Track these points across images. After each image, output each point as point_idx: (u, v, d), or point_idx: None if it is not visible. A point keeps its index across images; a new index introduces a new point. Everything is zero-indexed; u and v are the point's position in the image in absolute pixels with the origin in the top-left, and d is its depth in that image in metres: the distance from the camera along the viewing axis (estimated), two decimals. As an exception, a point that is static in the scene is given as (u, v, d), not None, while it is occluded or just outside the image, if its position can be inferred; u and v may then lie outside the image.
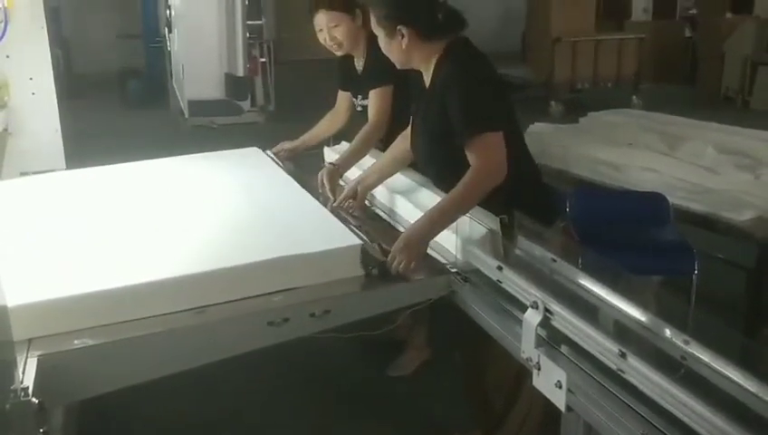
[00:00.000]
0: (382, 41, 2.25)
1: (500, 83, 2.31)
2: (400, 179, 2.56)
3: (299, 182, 2.64)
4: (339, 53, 2.97)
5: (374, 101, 2.84)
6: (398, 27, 2.17)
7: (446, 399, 2.95)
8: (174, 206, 2.45)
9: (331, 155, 3.09)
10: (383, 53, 2.31)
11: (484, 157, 2.08)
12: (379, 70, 2.73)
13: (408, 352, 3.25)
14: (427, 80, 2.30)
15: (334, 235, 2.09)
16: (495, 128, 2.10)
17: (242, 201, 2.48)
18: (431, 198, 2.29)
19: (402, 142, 2.52)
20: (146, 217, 2.32)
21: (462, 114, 2.12)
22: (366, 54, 2.90)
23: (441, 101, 2.18)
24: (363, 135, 2.82)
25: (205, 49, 7.95)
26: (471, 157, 2.10)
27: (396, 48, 2.22)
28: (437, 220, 2.08)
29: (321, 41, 2.90)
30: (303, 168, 2.98)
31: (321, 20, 2.83)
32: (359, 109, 3.08)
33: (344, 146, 3.02)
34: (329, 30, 2.84)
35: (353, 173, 2.73)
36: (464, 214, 2.08)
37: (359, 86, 3.02)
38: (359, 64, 2.99)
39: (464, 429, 2.69)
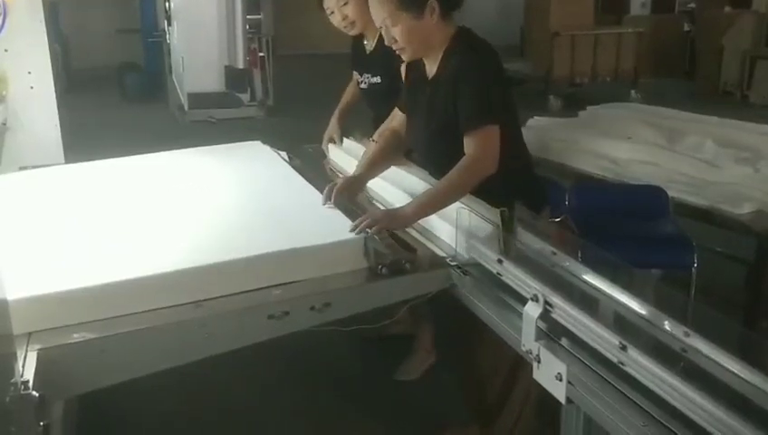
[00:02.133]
0: (407, 27, 2.17)
1: (505, 75, 2.33)
2: (400, 174, 2.55)
3: (302, 175, 2.63)
4: (353, 33, 2.98)
5: None
6: (430, 0, 2.14)
7: (444, 393, 2.95)
8: (174, 199, 2.44)
9: (334, 150, 3.10)
10: None
11: (483, 147, 2.12)
12: None
13: (416, 355, 3.23)
14: (431, 69, 2.30)
15: (337, 228, 2.08)
16: (497, 121, 2.14)
17: (243, 194, 2.48)
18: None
19: (391, 135, 2.52)
20: (145, 210, 2.32)
21: (471, 104, 2.14)
22: (378, 34, 2.86)
23: (450, 91, 2.18)
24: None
25: (204, 41, 7.94)
26: (469, 145, 2.13)
27: (426, 27, 2.17)
28: (427, 204, 2.13)
29: (336, 24, 2.91)
30: (305, 161, 2.97)
31: (331, 0, 2.83)
32: (362, 86, 3.10)
33: (348, 143, 3.04)
34: (339, 9, 2.83)
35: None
36: (453, 202, 2.10)
37: (366, 64, 3.03)
38: (369, 44, 3.01)
39: (462, 422, 2.69)
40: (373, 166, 2.48)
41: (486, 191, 2.11)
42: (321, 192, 2.40)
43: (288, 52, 10.98)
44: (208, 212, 2.30)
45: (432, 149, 2.37)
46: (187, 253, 1.92)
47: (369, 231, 2.00)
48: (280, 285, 1.87)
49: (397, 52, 2.28)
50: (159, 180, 2.67)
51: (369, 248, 1.98)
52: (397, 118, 2.57)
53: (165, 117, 8.64)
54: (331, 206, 2.25)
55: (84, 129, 5.70)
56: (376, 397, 3.05)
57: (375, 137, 2.67)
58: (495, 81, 2.21)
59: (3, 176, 2.83)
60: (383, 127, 2.65)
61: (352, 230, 2.01)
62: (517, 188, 2.19)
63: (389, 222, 2.08)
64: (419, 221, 2.19)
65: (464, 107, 2.15)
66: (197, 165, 2.86)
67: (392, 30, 2.20)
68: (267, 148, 3.07)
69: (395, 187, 2.48)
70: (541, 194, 2.49)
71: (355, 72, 3.20)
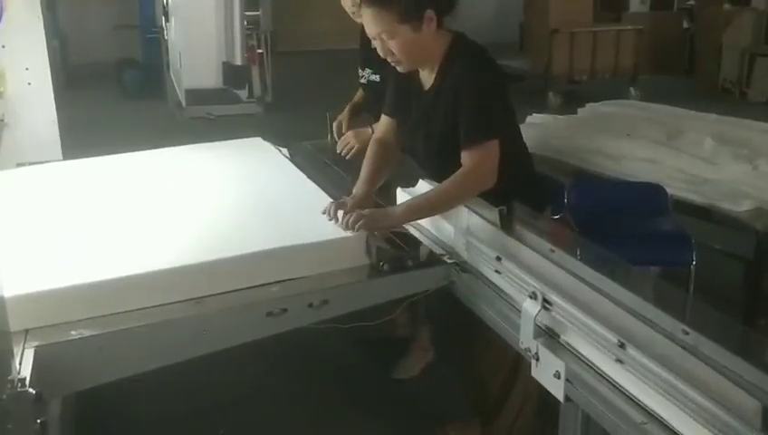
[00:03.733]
0: (405, 39, 2.12)
1: (504, 79, 2.30)
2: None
3: (303, 172, 2.62)
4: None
5: None
6: (427, 11, 2.10)
7: (444, 390, 2.94)
8: (173, 196, 2.43)
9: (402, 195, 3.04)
10: None
11: (481, 162, 2.10)
12: None
13: (414, 353, 3.22)
14: (427, 79, 2.27)
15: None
16: (497, 135, 2.12)
17: (244, 191, 2.47)
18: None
19: (379, 147, 2.42)
20: (144, 207, 2.32)
21: (472, 118, 2.12)
22: None
23: (451, 104, 2.15)
24: None
25: (202, 37, 7.92)
26: (467, 158, 2.11)
27: (425, 38, 2.13)
28: (417, 209, 2.12)
29: (347, 9, 2.81)
30: (307, 158, 2.96)
31: None
32: (362, 81, 3.03)
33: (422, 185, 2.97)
34: None
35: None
36: (445, 211, 2.10)
37: (370, 58, 2.83)
38: None
39: (463, 419, 2.69)
40: (373, 181, 2.35)
41: (487, 192, 2.10)
42: (323, 190, 2.40)
43: (287, 48, 10.95)
44: (208, 209, 2.29)
45: (436, 160, 2.32)
46: (187, 250, 1.91)
47: (356, 227, 1.98)
48: (278, 282, 1.86)
49: (393, 64, 2.23)
50: (158, 177, 2.66)
51: (370, 245, 1.98)
52: (383, 125, 2.47)
53: (163, 113, 8.62)
54: (338, 224, 2.09)
55: (82, 125, 5.68)
56: (375, 394, 3.05)
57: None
58: (495, 91, 2.18)
59: (0, 172, 2.82)
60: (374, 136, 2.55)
61: (342, 226, 2.00)
62: (518, 188, 2.16)
63: (376, 222, 2.05)
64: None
65: (464, 122, 2.12)
66: (195, 161, 2.85)
67: (389, 43, 2.14)
68: (268, 144, 3.05)
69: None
70: (543, 193, 2.48)
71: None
